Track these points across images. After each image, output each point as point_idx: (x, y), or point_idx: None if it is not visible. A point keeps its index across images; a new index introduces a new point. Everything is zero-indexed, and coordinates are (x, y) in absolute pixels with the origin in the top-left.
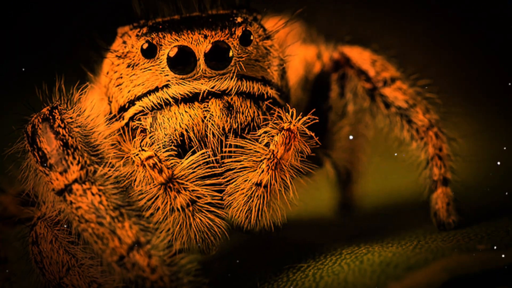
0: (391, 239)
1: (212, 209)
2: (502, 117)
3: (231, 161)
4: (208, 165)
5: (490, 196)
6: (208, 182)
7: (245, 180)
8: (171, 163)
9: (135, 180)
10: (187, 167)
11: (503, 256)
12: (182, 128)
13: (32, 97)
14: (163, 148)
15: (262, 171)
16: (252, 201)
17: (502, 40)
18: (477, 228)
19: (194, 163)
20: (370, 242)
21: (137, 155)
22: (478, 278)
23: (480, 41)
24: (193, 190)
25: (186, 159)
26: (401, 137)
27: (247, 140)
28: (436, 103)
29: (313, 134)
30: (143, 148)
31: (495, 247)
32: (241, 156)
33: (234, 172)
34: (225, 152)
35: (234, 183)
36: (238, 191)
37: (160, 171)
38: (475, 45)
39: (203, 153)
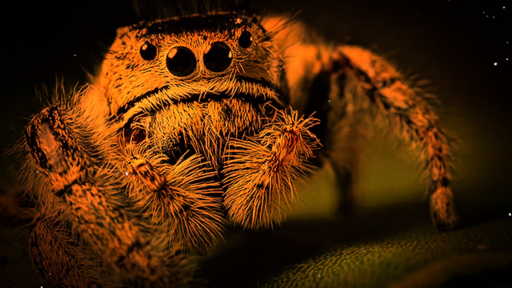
0: (391, 239)
1: (207, 213)
2: (502, 118)
3: (233, 162)
4: (202, 169)
5: (490, 196)
6: (202, 185)
7: (247, 181)
8: (163, 169)
9: (130, 186)
10: (180, 172)
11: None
12: (181, 127)
13: (31, 97)
14: (162, 147)
15: (264, 173)
16: (253, 201)
17: (502, 40)
18: (477, 228)
19: (187, 168)
20: (370, 242)
21: (129, 163)
22: (478, 278)
23: (480, 41)
24: (186, 196)
25: (178, 164)
26: (400, 137)
27: (249, 142)
28: (436, 103)
29: (315, 136)
30: (134, 155)
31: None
32: (243, 157)
33: (236, 173)
34: (226, 153)
35: (235, 184)
36: (239, 191)
37: (152, 179)
38: (475, 46)
39: (195, 158)
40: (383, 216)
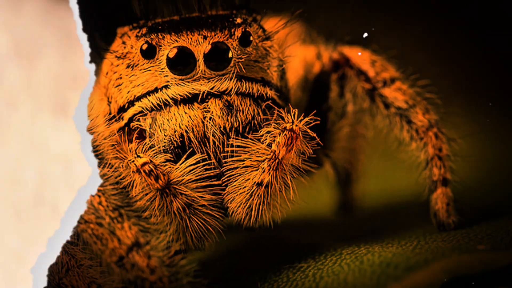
0: (391, 239)
1: (208, 211)
2: (502, 117)
3: (233, 160)
4: (205, 168)
5: (490, 196)
6: (205, 184)
7: (246, 179)
8: (166, 168)
9: (132, 184)
10: (183, 171)
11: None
12: (182, 129)
13: None
14: (163, 149)
15: (263, 171)
16: (253, 200)
17: (502, 40)
18: (477, 228)
19: (190, 166)
20: (370, 242)
21: (132, 161)
22: (478, 278)
23: (480, 41)
24: (189, 194)
25: (182, 163)
26: (400, 137)
27: (249, 140)
28: (436, 103)
29: (315, 135)
30: (138, 154)
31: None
32: (243, 155)
33: (235, 171)
34: (226, 151)
35: (235, 182)
36: (239, 189)
37: (156, 178)
38: (475, 45)
39: (199, 157)
40: (383, 216)
